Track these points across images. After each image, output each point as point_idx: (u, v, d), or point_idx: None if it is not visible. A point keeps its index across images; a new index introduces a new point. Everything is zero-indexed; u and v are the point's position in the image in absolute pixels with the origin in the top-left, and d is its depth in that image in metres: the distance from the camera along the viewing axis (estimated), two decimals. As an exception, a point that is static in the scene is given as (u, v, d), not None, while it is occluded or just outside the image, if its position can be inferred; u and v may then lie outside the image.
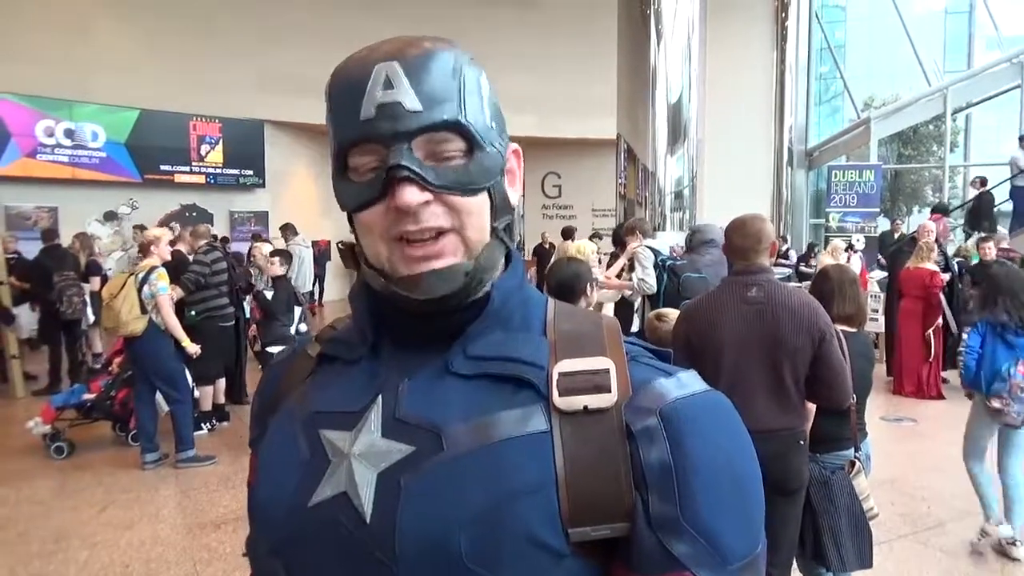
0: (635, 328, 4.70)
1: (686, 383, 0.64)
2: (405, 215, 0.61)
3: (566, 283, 2.71)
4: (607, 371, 0.63)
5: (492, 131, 0.66)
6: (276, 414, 0.73)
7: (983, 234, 8.45)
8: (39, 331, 7.85)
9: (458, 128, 0.62)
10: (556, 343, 0.66)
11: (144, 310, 4.79)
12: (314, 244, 11.83)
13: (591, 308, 2.87)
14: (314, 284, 12.16)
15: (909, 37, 14.87)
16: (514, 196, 0.71)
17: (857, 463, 2.66)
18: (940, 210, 10.06)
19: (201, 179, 13.20)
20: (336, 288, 15.11)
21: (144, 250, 5.13)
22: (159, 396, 5.03)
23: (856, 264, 8.06)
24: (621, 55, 8.08)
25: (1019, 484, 3.59)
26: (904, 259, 7.20)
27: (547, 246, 12.75)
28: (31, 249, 8.06)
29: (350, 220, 0.67)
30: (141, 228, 9.47)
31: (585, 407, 0.61)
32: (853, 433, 2.67)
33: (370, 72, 0.61)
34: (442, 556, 0.57)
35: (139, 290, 4.79)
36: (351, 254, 0.71)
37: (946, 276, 6.88)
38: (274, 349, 5.27)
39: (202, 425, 5.69)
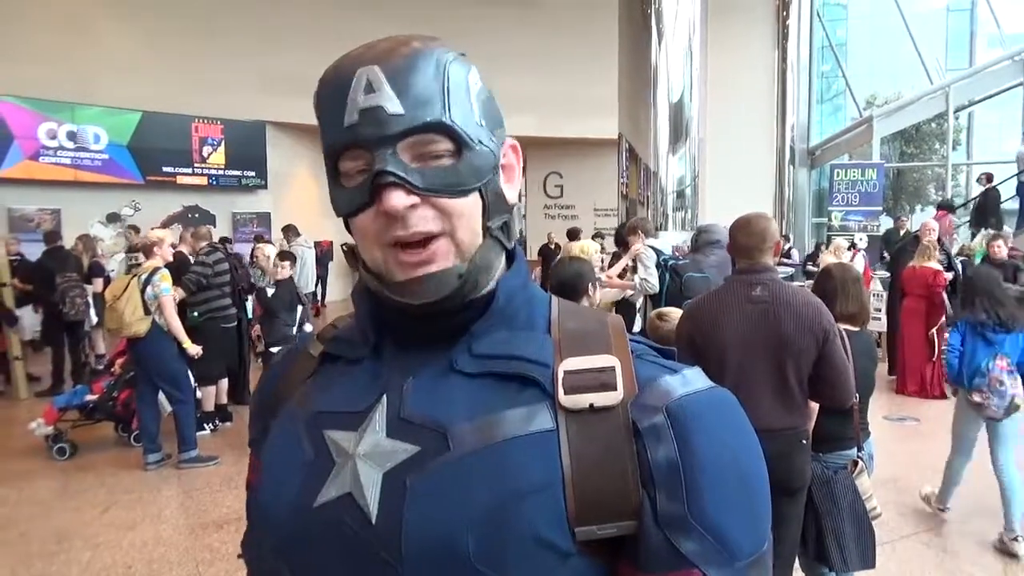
0: (637, 328, 4.70)
1: (692, 380, 0.64)
2: (394, 220, 0.61)
3: (568, 282, 2.70)
4: (613, 369, 0.62)
5: (482, 129, 0.65)
6: (277, 414, 0.73)
7: (991, 232, 8.39)
8: (42, 332, 7.86)
9: (443, 129, 0.62)
10: (561, 341, 0.66)
11: (147, 311, 4.80)
12: (316, 245, 11.83)
13: (595, 308, 2.86)
14: (317, 285, 12.16)
15: (911, 35, 14.84)
16: (512, 193, 0.70)
17: (860, 463, 2.66)
18: (946, 207, 10.03)
19: (203, 180, 13.21)
20: (338, 288, 15.12)
21: (146, 251, 5.13)
22: (161, 397, 5.04)
23: (859, 262, 8.04)
24: (622, 54, 8.07)
25: (1013, 479, 3.68)
26: (907, 258, 7.18)
27: (553, 246, 12.75)
28: (34, 251, 8.07)
29: (347, 225, 0.67)
30: (135, 229, 9.50)
31: (591, 405, 0.61)
32: (856, 432, 2.67)
33: (352, 77, 0.61)
34: (448, 556, 0.57)
35: (142, 291, 4.80)
36: (354, 255, 0.71)
37: (949, 275, 6.86)
38: (277, 349, 5.27)
39: (204, 425, 5.70)
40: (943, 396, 6.68)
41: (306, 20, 12.97)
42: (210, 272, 5.72)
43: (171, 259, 5.35)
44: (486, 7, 13.67)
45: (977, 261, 7.98)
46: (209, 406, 5.85)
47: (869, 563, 2.58)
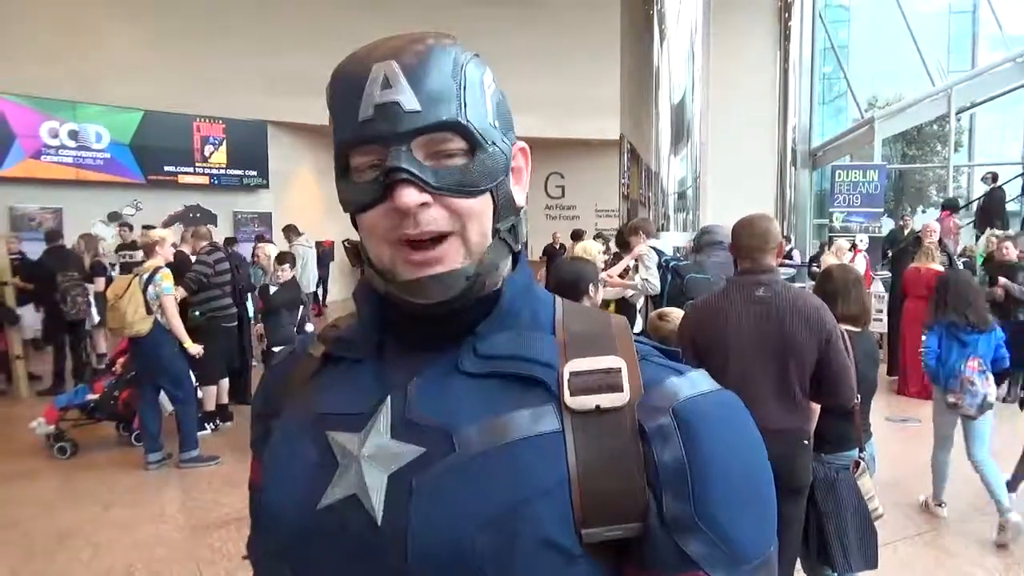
0: (638, 328, 4.69)
1: (697, 382, 0.64)
2: (405, 217, 0.60)
3: (568, 283, 2.69)
4: (619, 370, 0.62)
5: (495, 130, 0.65)
6: (279, 416, 0.72)
7: (998, 232, 8.32)
8: (43, 332, 7.87)
9: (458, 128, 0.61)
10: (566, 342, 0.66)
11: (149, 310, 4.80)
12: (317, 244, 11.84)
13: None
14: (318, 285, 12.16)
15: (913, 37, 14.83)
16: (520, 196, 0.70)
17: (862, 463, 2.66)
18: (950, 206, 10.00)
19: (205, 180, 13.21)
20: (339, 288, 15.12)
21: (147, 250, 5.13)
22: (162, 396, 5.04)
23: (861, 263, 8.03)
24: (625, 56, 8.06)
25: (991, 471, 3.84)
26: (908, 259, 7.18)
27: (558, 246, 12.75)
28: (35, 250, 8.07)
29: (353, 221, 0.67)
30: (128, 227, 9.50)
31: (597, 406, 0.60)
32: (858, 433, 2.67)
33: (368, 72, 0.60)
34: (454, 559, 0.56)
35: (144, 291, 4.81)
36: (356, 253, 0.71)
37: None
38: (279, 349, 5.27)
39: (205, 425, 5.70)
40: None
41: (308, 20, 12.98)
42: (211, 271, 5.72)
43: (172, 259, 5.35)
44: (487, 7, 13.66)
45: (979, 263, 7.98)
46: (210, 406, 5.85)
47: (872, 563, 2.57)
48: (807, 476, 2.44)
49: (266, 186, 13.87)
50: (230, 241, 10.99)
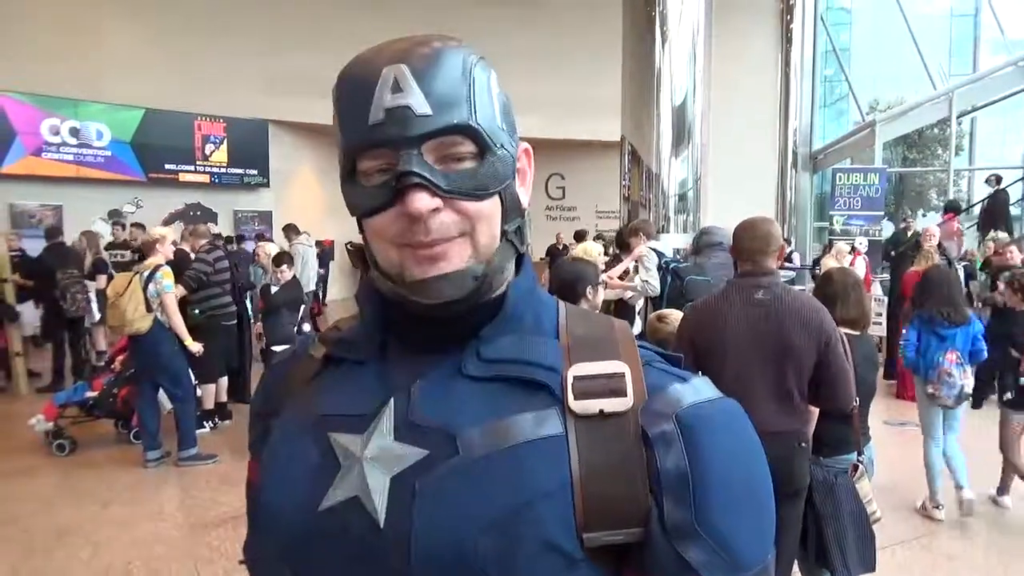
0: (636, 330, 4.69)
1: (701, 389, 0.64)
2: (416, 223, 0.60)
3: (567, 284, 2.69)
4: (622, 375, 0.62)
5: (502, 133, 0.65)
6: (279, 417, 0.72)
7: (1001, 235, 8.27)
8: (42, 328, 7.87)
9: (468, 131, 0.61)
10: (570, 346, 0.66)
11: (150, 308, 4.80)
12: (318, 244, 11.84)
13: (596, 310, 2.86)
14: (318, 285, 12.16)
15: (914, 40, 14.82)
16: (524, 197, 0.70)
17: (860, 467, 2.66)
18: (952, 209, 9.97)
19: (205, 178, 13.21)
20: (339, 288, 15.11)
21: (147, 248, 5.14)
22: (161, 394, 5.04)
23: (860, 267, 8.04)
24: (626, 57, 8.05)
25: (953, 448, 4.16)
26: (908, 263, 7.17)
27: (561, 247, 12.73)
28: (35, 247, 8.08)
29: (359, 224, 0.66)
30: (122, 226, 9.51)
31: (601, 411, 0.61)
32: (856, 437, 2.67)
33: (378, 74, 0.59)
34: (457, 561, 0.56)
35: (144, 288, 4.81)
36: (359, 255, 0.70)
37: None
38: (279, 348, 5.27)
39: (204, 423, 5.70)
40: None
41: (309, 20, 12.99)
42: (210, 269, 5.71)
43: (172, 256, 5.35)
44: (488, 7, 13.67)
45: (978, 267, 7.98)
46: (209, 404, 5.85)
47: (870, 566, 2.58)
48: (804, 479, 2.44)
49: (267, 185, 13.88)
50: (238, 239, 11.01)
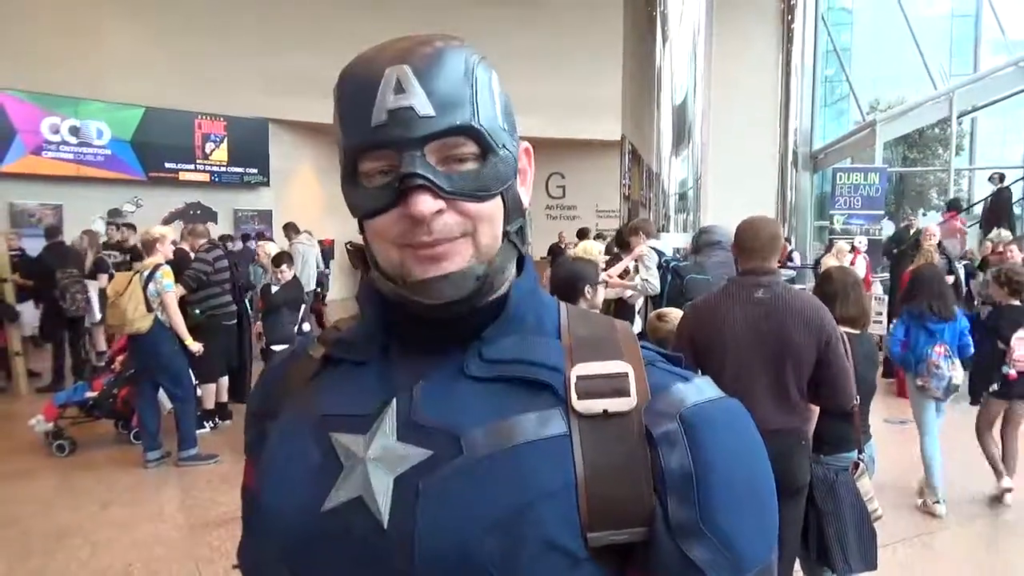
0: (637, 329, 4.69)
1: (703, 389, 0.64)
2: (418, 224, 0.60)
3: (567, 283, 2.69)
4: (625, 375, 0.62)
5: (504, 133, 0.64)
6: (276, 416, 0.72)
7: (1004, 233, 8.26)
8: (42, 328, 7.86)
9: (471, 132, 0.61)
10: (572, 346, 0.66)
11: (150, 308, 4.80)
12: (318, 243, 11.84)
13: (596, 310, 2.86)
14: (318, 284, 12.16)
15: (915, 40, 14.81)
16: (525, 196, 0.70)
17: (861, 465, 2.66)
18: (954, 207, 9.96)
19: (205, 177, 13.20)
20: (339, 287, 15.11)
21: (147, 248, 5.13)
22: (161, 394, 5.04)
23: (861, 266, 8.03)
24: (627, 57, 8.05)
25: (934, 447, 4.23)
26: (908, 262, 7.17)
27: (563, 246, 12.73)
28: (35, 246, 8.07)
29: (360, 224, 0.66)
30: (116, 226, 9.50)
31: (605, 411, 0.61)
32: (857, 435, 2.67)
33: (381, 75, 0.59)
34: (462, 561, 0.56)
35: (144, 288, 4.80)
36: (360, 256, 0.70)
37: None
38: (279, 348, 5.27)
39: (204, 423, 5.70)
40: (943, 400, 6.68)
41: (309, 19, 12.99)
42: (210, 269, 5.71)
43: (172, 256, 5.35)
44: (488, 7, 13.66)
45: (977, 266, 7.98)
46: (209, 404, 5.85)
47: (871, 564, 2.58)
48: (805, 476, 2.45)
49: (267, 184, 13.88)
50: (244, 238, 10.99)
